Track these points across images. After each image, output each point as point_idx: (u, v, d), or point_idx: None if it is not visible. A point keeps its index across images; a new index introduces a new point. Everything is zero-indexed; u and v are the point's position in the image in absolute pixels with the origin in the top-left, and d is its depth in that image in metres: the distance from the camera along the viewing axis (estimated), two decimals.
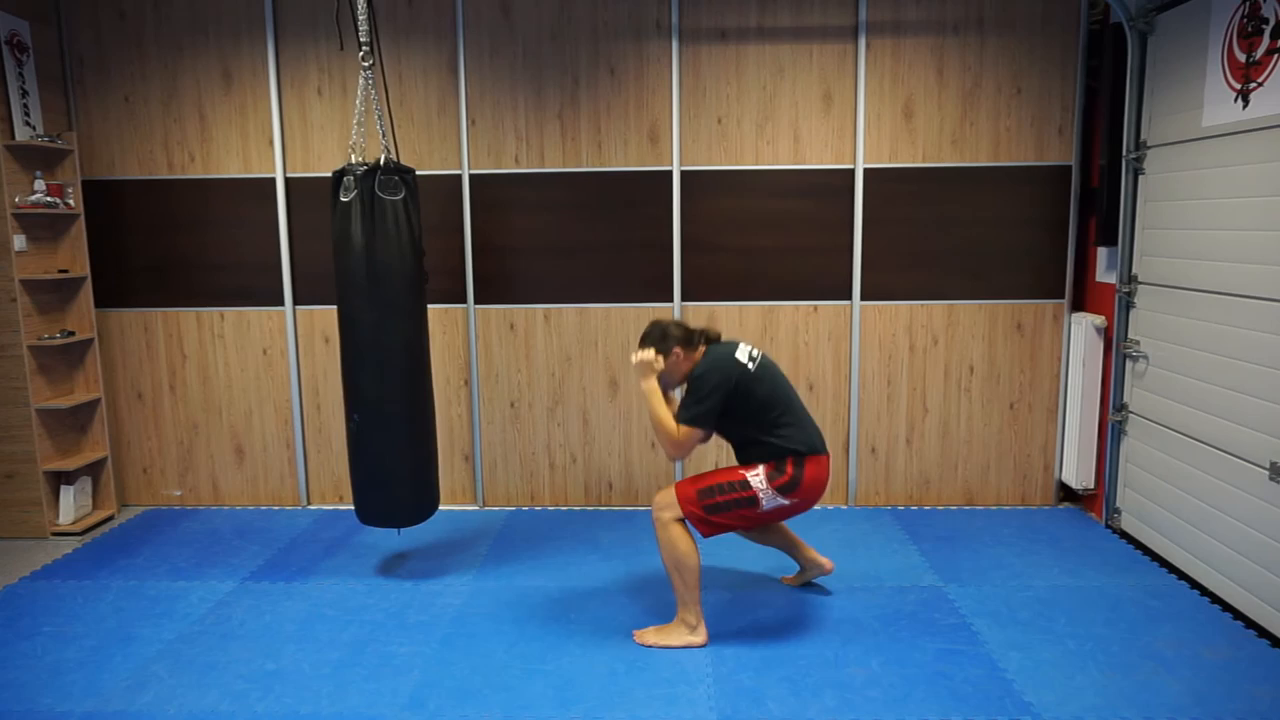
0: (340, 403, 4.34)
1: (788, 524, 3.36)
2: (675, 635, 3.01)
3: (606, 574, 3.58)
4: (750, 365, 2.96)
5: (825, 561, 3.38)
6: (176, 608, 3.32)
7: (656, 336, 2.99)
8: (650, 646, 2.99)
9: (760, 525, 3.20)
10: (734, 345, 3.01)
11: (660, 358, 2.97)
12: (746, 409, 2.92)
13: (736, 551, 3.76)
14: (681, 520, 2.95)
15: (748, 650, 2.97)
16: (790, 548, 3.38)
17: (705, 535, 3.00)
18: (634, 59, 4.13)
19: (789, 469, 2.92)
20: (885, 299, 4.24)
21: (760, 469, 2.93)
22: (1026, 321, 4.25)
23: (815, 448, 2.97)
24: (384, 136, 3.37)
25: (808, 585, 3.45)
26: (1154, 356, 3.71)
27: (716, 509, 2.93)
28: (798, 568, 3.44)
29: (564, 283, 4.27)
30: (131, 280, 4.34)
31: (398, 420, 3.36)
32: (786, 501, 2.94)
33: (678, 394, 3.11)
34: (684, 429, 2.91)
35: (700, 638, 2.99)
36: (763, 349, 4.23)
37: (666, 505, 2.96)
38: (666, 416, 2.94)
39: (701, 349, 3.02)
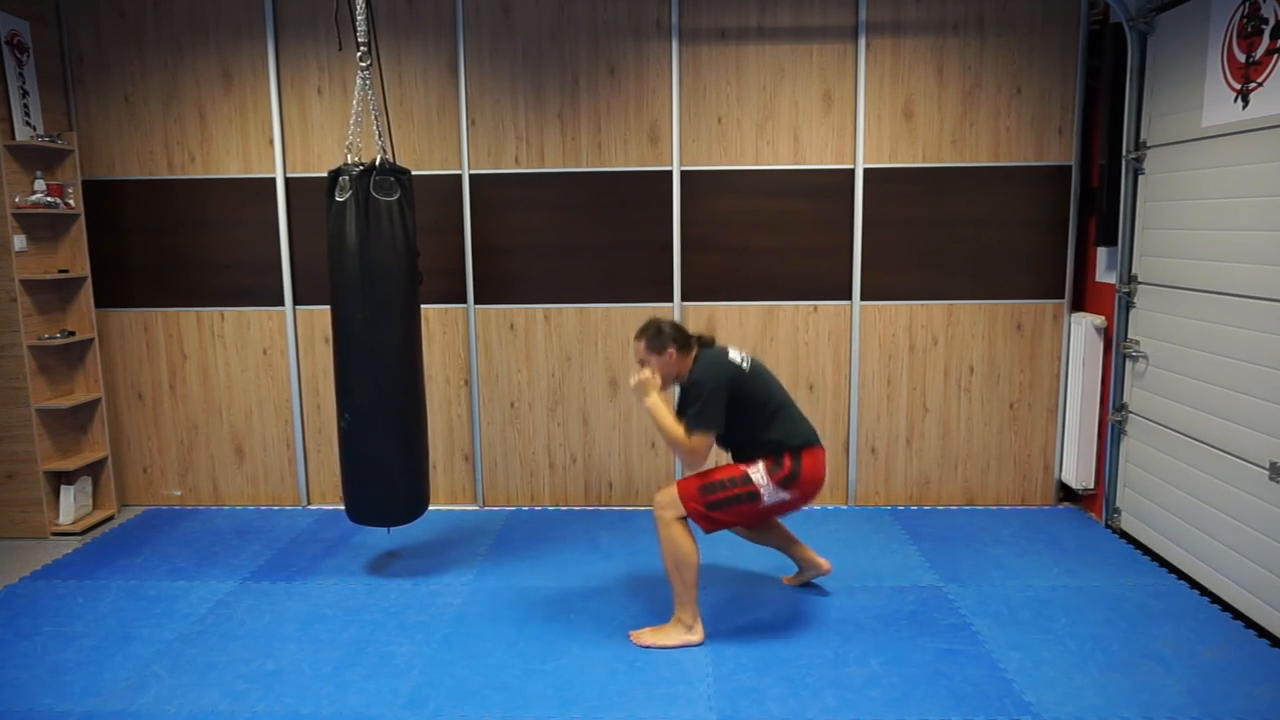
0: None
1: (786, 523, 3.37)
2: (672, 635, 3.01)
3: (606, 574, 3.58)
4: (744, 365, 2.99)
5: (823, 562, 3.38)
6: (176, 608, 3.32)
7: (652, 333, 3.00)
8: (647, 647, 2.99)
9: (761, 522, 3.21)
10: (724, 349, 3.04)
11: (654, 358, 2.98)
12: (742, 409, 2.95)
13: (736, 551, 3.76)
14: (683, 519, 2.96)
15: (748, 650, 2.97)
16: (788, 546, 3.39)
17: (707, 531, 3.01)
18: (634, 59, 4.13)
19: (787, 463, 2.95)
20: (885, 299, 4.24)
21: (760, 464, 2.96)
22: (1026, 321, 4.25)
23: (810, 441, 3.01)
24: (379, 137, 3.37)
25: (808, 585, 3.44)
26: (1154, 356, 3.71)
27: (718, 505, 2.94)
28: (796, 568, 3.44)
29: (564, 283, 4.27)
30: (131, 280, 4.34)
31: (388, 419, 3.36)
32: (787, 495, 2.96)
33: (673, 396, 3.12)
34: (696, 436, 2.88)
35: (697, 636, 3.00)
36: (763, 349, 4.25)
37: (668, 504, 2.96)
38: (678, 430, 2.91)
39: (694, 352, 3.04)
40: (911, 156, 4.15)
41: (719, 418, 2.91)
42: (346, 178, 3.25)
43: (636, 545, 3.89)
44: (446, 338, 4.33)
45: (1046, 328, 4.25)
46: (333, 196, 3.29)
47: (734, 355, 3.01)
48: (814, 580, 3.44)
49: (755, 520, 3.11)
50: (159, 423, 4.46)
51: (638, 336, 3.03)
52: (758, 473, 2.95)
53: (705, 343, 3.07)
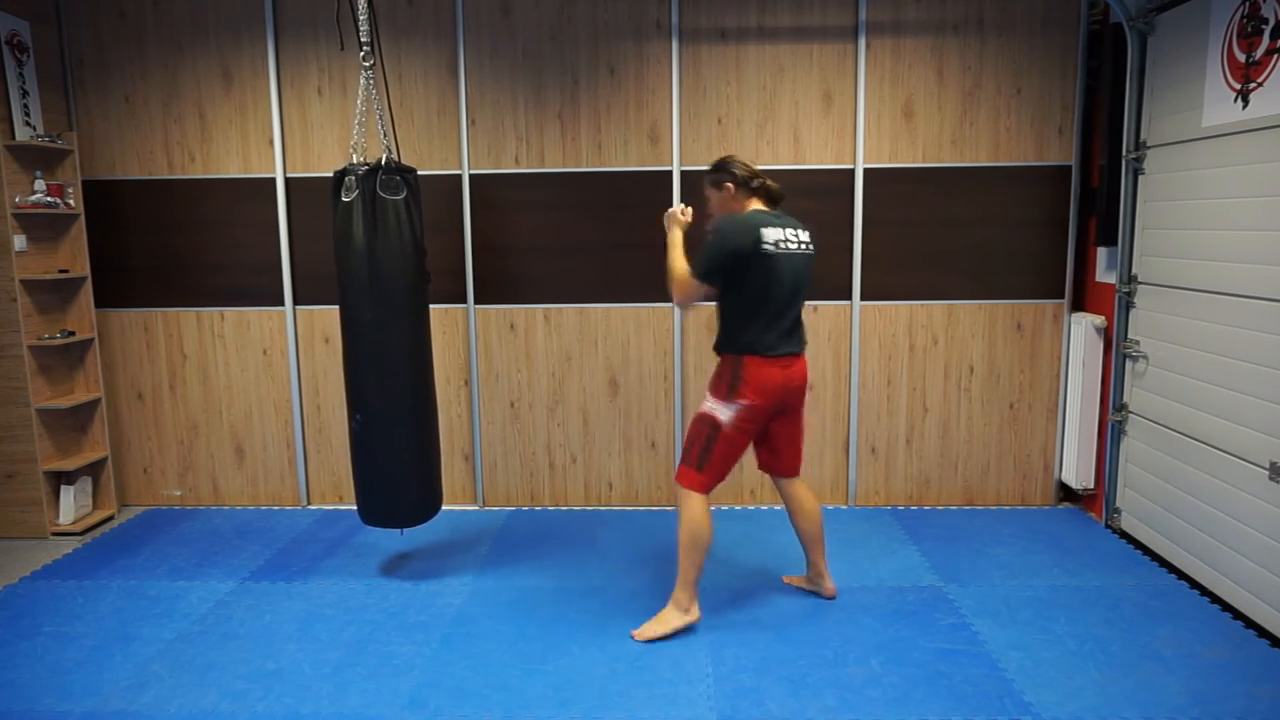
0: (341, 403, 4.34)
1: (824, 532, 3.32)
2: (670, 619, 3.03)
3: (606, 574, 3.58)
4: (771, 247, 2.88)
5: (830, 584, 3.33)
6: (176, 607, 3.32)
7: (720, 166, 3.04)
8: (651, 640, 3.00)
9: (748, 439, 3.05)
10: (773, 220, 2.94)
11: (713, 193, 3.05)
12: (740, 287, 2.91)
13: (738, 551, 3.76)
14: (696, 493, 2.99)
15: (748, 650, 2.97)
16: (811, 547, 3.30)
17: (706, 487, 3.00)
18: (634, 59, 4.13)
19: (728, 371, 2.96)
20: (885, 299, 4.24)
21: (707, 394, 3.02)
22: (1026, 321, 4.25)
23: (757, 349, 2.94)
24: (384, 136, 3.37)
25: (808, 590, 3.43)
26: (1154, 356, 3.71)
27: (702, 458, 2.98)
28: (804, 571, 3.41)
29: (564, 283, 4.27)
30: (131, 280, 4.34)
31: (400, 420, 3.36)
32: (741, 404, 2.93)
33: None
34: (690, 278, 2.92)
35: (693, 616, 3.05)
36: None
37: (679, 487, 3.04)
38: (681, 265, 2.95)
39: (752, 202, 3.01)
40: (911, 156, 4.15)
41: (715, 277, 2.90)
42: (352, 178, 3.25)
43: (636, 545, 3.89)
44: (446, 338, 4.33)
45: (1046, 328, 4.25)
46: (339, 197, 3.29)
47: (772, 232, 2.90)
48: (813, 592, 3.40)
49: (738, 448, 3.03)
50: (159, 423, 4.46)
51: (709, 171, 3.08)
52: (707, 403, 3.00)
53: (775, 196, 3.04)
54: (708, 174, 3.08)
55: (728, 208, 3.03)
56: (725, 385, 2.97)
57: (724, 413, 2.96)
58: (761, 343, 2.94)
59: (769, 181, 3.05)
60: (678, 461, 4.32)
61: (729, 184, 3.00)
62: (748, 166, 3.03)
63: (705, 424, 3.00)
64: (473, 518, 4.30)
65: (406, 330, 3.35)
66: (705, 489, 3.01)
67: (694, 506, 2.99)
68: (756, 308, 2.93)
